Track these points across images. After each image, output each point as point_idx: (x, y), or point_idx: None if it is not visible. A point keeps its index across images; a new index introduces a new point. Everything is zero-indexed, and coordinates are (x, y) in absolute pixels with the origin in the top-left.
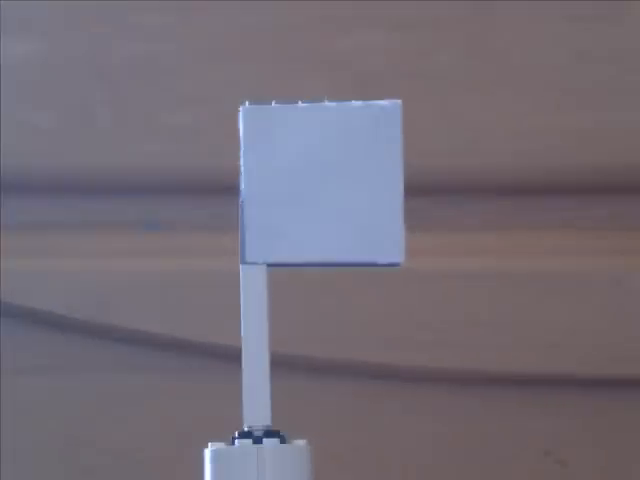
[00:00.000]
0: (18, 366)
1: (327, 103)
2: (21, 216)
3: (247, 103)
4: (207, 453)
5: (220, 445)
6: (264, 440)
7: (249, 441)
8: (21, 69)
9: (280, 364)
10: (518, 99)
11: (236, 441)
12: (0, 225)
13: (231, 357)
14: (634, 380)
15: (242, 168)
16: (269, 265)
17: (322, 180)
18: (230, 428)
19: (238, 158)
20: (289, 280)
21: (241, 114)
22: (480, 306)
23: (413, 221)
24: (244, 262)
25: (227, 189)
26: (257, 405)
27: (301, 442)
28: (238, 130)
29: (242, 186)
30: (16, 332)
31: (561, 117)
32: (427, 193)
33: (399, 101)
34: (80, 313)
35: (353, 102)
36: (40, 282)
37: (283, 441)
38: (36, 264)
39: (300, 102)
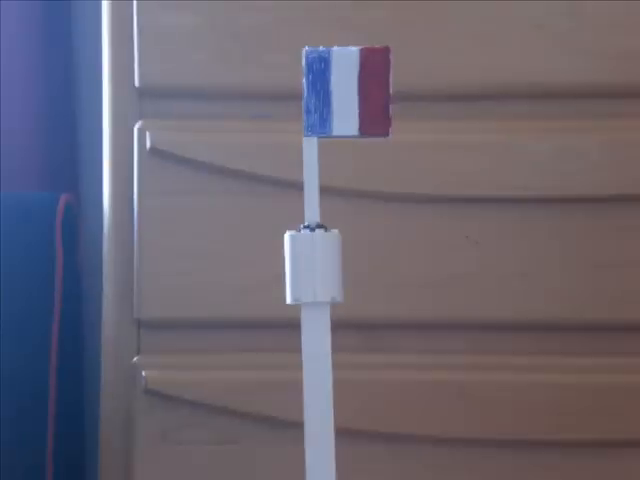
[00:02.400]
0: None
1: (351, 47)
2: None
3: (306, 47)
4: (286, 236)
5: (293, 232)
6: (316, 230)
7: (307, 230)
8: (184, 32)
9: None
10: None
11: (301, 230)
12: None
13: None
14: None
15: (305, 94)
16: (319, 137)
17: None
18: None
19: None
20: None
21: (303, 54)
22: None
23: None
24: (306, 135)
25: None
26: (312, 210)
27: (335, 231)
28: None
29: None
30: None
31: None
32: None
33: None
34: None
35: (363, 46)
36: None
37: (326, 231)
38: None
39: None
